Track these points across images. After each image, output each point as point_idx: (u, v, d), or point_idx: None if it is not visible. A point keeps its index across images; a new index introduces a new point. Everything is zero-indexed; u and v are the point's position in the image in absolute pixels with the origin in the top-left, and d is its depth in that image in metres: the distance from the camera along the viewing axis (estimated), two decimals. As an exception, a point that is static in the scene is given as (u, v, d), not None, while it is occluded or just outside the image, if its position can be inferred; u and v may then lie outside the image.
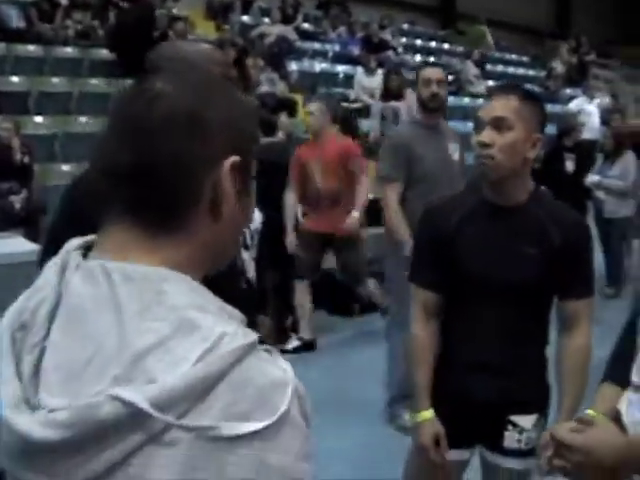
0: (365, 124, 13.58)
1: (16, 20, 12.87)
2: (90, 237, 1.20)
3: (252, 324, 1.17)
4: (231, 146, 1.15)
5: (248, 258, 2.54)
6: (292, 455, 1.03)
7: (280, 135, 8.86)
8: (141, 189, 1.11)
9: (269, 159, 7.45)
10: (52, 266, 1.16)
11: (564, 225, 2.78)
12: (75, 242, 1.20)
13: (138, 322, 1.04)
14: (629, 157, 9.72)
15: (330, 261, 9.42)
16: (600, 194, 9.90)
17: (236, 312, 1.14)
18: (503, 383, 2.82)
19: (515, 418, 2.85)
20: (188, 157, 1.11)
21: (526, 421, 2.87)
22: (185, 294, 1.08)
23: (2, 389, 1.06)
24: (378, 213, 11.42)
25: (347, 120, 14.10)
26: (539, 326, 2.89)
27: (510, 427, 2.86)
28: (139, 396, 0.97)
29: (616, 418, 2.09)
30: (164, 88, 1.14)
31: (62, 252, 1.18)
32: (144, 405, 0.97)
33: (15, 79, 11.54)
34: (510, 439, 2.86)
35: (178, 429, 0.98)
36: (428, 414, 2.89)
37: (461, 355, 2.87)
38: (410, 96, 12.61)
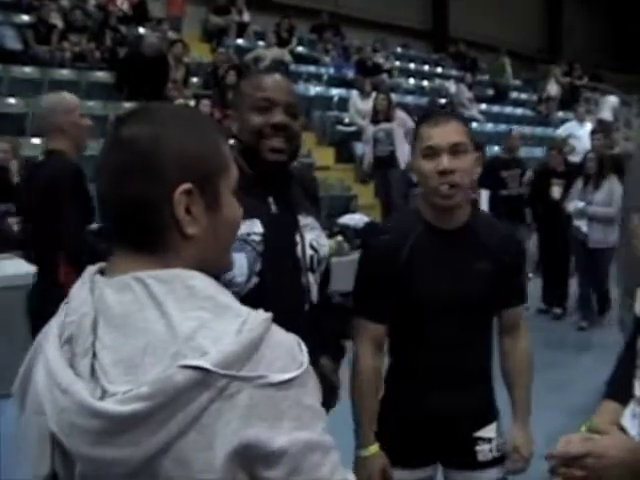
0: (361, 147, 13.63)
1: (12, 42, 12.90)
2: (101, 264, 1.43)
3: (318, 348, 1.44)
4: (184, 177, 1.34)
5: (313, 281, 2.58)
6: (317, 398, 1.31)
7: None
8: (121, 223, 1.37)
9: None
10: (81, 287, 1.38)
11: (504, 240, 2.88)
12: (92, 269, 1.42)
13: (180, 312, 1.26)
14: (614, 181, 9.13)
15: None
16: (581, 223, 9.41)
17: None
18: (461, 398, 2.85)
19: (480, 433, 2.90)
20: (144, 195, 1.33)
21: (490, 431, 2.93)
22: (210, 286, 1.33)
23: (72, 387, 1.25)
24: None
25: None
26: (487, 337, 2.95)
27: (479, 442, 2.91)
28: (204, 362, 1.20)
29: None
30: (127, 133, 1.36)
31: (84, 277, 1.40)
32: (210, 367, 1.20)
33: (12, 100, 11.56)
34: (483, 453, 2.91)
35: (238, 381, 1.21)
36: (375, 448, 2.86)
37: (417, 375, 2.87)
38: (401, 115, 12.65)
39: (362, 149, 13.38)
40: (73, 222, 4.37)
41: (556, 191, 10.00)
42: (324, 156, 14.10)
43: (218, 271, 1.48)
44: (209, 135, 1.42)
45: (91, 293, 1.35)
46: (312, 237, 2.62)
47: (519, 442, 2.94)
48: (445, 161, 2.69)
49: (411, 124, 12.45)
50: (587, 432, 2.03)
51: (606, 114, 17.56)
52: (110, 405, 1.21)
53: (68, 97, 4.88)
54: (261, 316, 1.29)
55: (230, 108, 2.57)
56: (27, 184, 4.91)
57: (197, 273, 1.34)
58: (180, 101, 12.79)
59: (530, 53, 23.19)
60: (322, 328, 2.64)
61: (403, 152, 12.06)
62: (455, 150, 2.70)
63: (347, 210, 11.85)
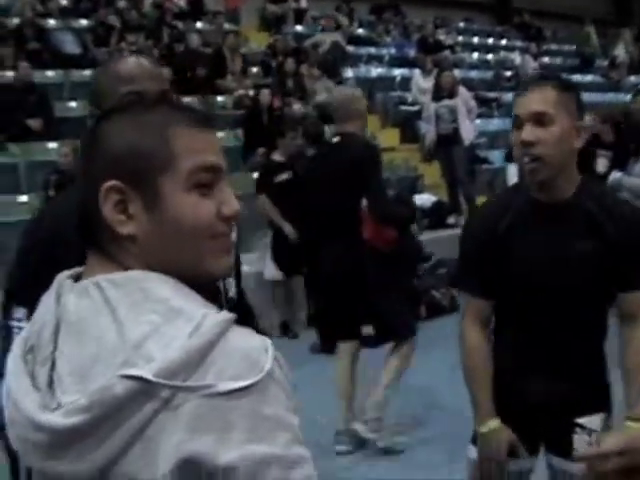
0: (424, 127, 13.47)
1: (71, 46, 13.07)
2: (76, 269, 1.38)
3: None
4: (111, 173, 1.27)
5: (229, 278, 2.40)
6: (282, 406, 1.18)
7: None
8: (79, 224, 1.33)
9: (305, 173, 7.44)
10: (49, 295, 1.33)
11: (620, 218, 2.65)
12: (65, 273, 1.37)
13: (133, 317, 1.20)
14: None
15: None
16: (625, 195, 7.90)
17: (209, 304, 1.28)
18: (565, 385, 2.72)
19: (582, 420, 2.71)
20: (84, 194, 1.31)
21: (594, 422, 2.72)
22: (166, 289, 1.24)
23: (23, 400, 1.22)
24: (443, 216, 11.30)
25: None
26: (598, 323, 2.77)
27: (578, 430, 2.71)
28: (145, 371, 1.13)
29: None
30: (90, 131, 1.35)
31: (54, 283, 1.35)
32: (151, 376, 1.12)
33: (73, 104, 11.68)
34: (580, 442, 2.71)
35: (183, 392, 1.13)
36: (496, 422, 2.77)
37: (520, 360, 2.77)
38: (463, 92, 12.41)
39: (425, 127, 13.19)
40: (381, 189, 5.52)
41: (601, 164, 8.72)
42: (389, 137, 13.99)
43: (201, 278, 1.33)
44: (155, 129, 1.30)
45: (57, 300, 1.31)
46: None
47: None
48: (526, 131, 2.55)
49: (473, 102, 12.25)
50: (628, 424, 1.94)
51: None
52: (54, 418, 1.16)
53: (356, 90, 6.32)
54: (217, 319, 1.20)
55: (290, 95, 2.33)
56: (324, 160, 5.74)
57: (153, 275, 1.26)
58: (240, 92, 12.81)
59: (598, 17, 22.66)
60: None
61: (466, 129, 11.87)
62: (538, 120, 2.54)
63: (414, 190, 11.76)
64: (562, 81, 2.70)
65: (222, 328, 1.19)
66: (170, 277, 1.27)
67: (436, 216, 11.26)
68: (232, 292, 2.43)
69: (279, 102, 12.22)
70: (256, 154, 11.06)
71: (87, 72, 12.49)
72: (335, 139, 5.67)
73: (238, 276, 2.58)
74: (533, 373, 2.73)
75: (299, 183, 7.56)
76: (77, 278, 1.35)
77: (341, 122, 5.59)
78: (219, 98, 13.05)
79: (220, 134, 10.85)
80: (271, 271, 8.51)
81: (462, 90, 12.48)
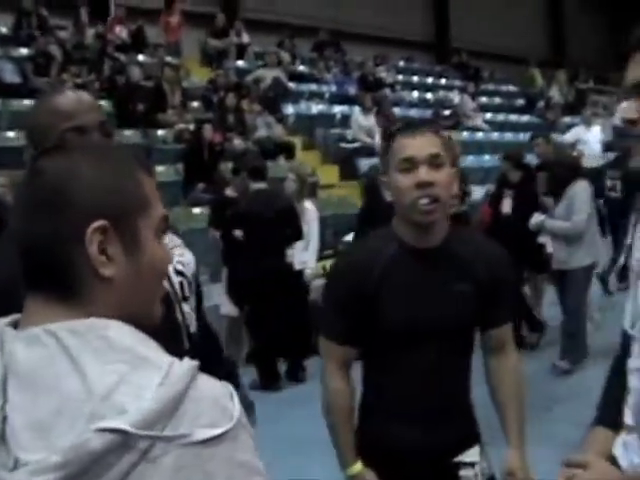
0: (365, 163, 13.57)
1: (11, 75, 12.94)
2: (14, 316, 1.30)
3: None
4: (98, 214, 1.23)
5: (189, 310, 2.35)
6: (251, 452, 1.20)
7: (290, 177, 8.77)
8: (32, 265, 1.26)
9: (253, 210, 7.49)
10: None
11: (487, 257, 2.73)
12: (1, 321, 1.29)
13: (97, 366, 1.15)
14: (577, 189, 7.62)
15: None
16: (544, 239, 8.18)
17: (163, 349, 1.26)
18: (439, 426, 2.73)
19: (462, 457, 2.76)
20: (55, 233, 1.23)
21: (473, 455, 2.80)
22: (128, 336, 1.22)
23: None
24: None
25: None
26: (467, 360, 2.82)
27: (463, 467, 2.77)
28: (122, 422, 1.09)
29: (612, 463, 2.00)
30: (38, 168, 1.27)
31: None
32: (129, 428, 1.09)
33: (11, 134, 11.54)
34: (467, 478, 2.78)
35: (161, 442, 1.11)
36: (358, 466, 2.77)
37: (390, 405, 2.77)
38: None
39: (367, 165, 13.29)
40: None
41: (506, 204, 8.56)
42: (328, 174, 14.02)
43: (146, 323, 1.32)
44: (128, 171, 1.31)
45: (0, 349, 1.24)
46: (175, 260, 2.34)
47: (514, 466, 2.81)
48: (423, 172, 2.54)
49: None
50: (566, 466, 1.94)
51: (618, 120, 17.44)
52: (21, 477, 1.10)
53: None
54: (184, 366, 1.19)
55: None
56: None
57: (113, 322, 1.23)
58: (181, 126, 12.80)
59: (535, 59, 23.10)
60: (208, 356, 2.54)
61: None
62: (433, 162, 2.56)
63: (353, 228, 11.79)
64: (438, 127, 2.79)
65: (191, 376, 1.18)
66: (126, 324, 1.24)
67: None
68: (193, 327, 2.39)
69: (220, 137, 12.23)
70: (196, 189, 11.04)
71: (26, 102, 12.40)
72: None
73: (199, 311, 2.54)
74: (405, 418, 2.73)
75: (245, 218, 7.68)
76: (14, 325, 1.29)
77: None
78: (159, 132, 13.01)
79: (160, 168, 10.81)
80: (226, 307, 8.44)
81: None
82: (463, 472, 2.77)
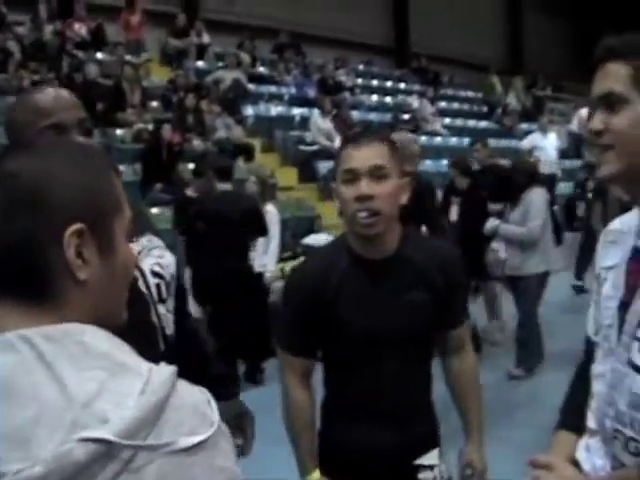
0: (324, 166, 13.59)
1: (-34, 70, 12.79)
2: None
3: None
4: (75, 216, 1.21)
5: (165, 312, 2.32)
6: (231, 458, 1.21)
7: (252, 179, 8.76)
8: (5, 268, 1.21)
9: (219, 210, 7.49)
10: None
11: (440, 262, 2.73)
12: None
13: (74, 374, 1.12)
14: (533, 196, 7.68)
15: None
16: (497, 245, 7.93)
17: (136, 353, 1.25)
18: (402, 431, 2.75)
19: (421, 460, 2.79)
20: (32, 236, 1.19)
21: (432, 458, 2.82)
22: (104, 342, 1.20)
23: None
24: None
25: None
26: (425, 365, 2.84)
27: (422, 470, 2.79)
28: (105, 432, 1.07)
29: (575, 466, 2.03)
30: (12, 168, 1.22)
31: None
32: (113, 438, 1.07)
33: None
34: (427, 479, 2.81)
35: (144, 451, 1.10)
36: (316, 475, 2.79)
37: (350, 411, 2.79)
38: None
39: (326, 168, 13.32)
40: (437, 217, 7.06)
41: (453, 211, 8.57)
42: (287, 176, 14.01)
43: (112, 325, 1.30)
44: (102, 171, 1.29)
45: None
46: (152, 262, 2.34)
47: (472, 457, 2.87)
48: (364, 186, 2.53)
49: None
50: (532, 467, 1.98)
51: (574, 126, 17.67)
52: None
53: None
54: (164, 373, 1.18)
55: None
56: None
57: (89, 327, 1.20)
58: (140, 126, 12.73)
59: (492, 65, 23.28)
60: (194, 359, 2.50)
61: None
62: (375, 174, 2.54)
63: (311, 230, 11.83)
64: (389, 137, 2.75)
65: (171, 382, 1.17)
66: (100, 328, 1.22)
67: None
68: (170, 329, 2.36)
69: (179, 137, 12.18)
70: (155, 189, 10.99)
71: (-16, 97, 12.29)
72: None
73: (182, 312, 2.53)
74: (364, 423, 2.75)
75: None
76: None
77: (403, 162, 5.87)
78: (118, 131, 12.93)
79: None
80: (191, 307, 8.35)
81: None
82: (422, 475, 2.79)
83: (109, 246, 1.26)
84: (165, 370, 1.19)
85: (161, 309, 2.33)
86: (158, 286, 2.32)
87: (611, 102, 1.82)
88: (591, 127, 1.87)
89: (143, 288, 2.26)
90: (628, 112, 1.79)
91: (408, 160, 5.85)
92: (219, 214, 7.55)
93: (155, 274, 2.32)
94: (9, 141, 2.22)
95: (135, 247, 2.27)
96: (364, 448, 2.76)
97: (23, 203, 1.20)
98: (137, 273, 2.24)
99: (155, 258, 2.35)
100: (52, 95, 2.23)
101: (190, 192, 8.69)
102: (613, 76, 1.82)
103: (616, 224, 2.06)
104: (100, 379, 1.13)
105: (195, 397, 1.20)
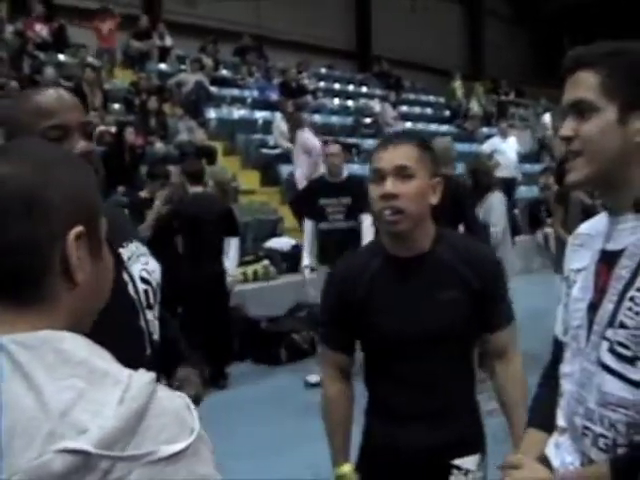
0: (286, 169, 13.61)
1: None
2: None
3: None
4: (74, 218, 1.22)
5: (152, 318, 2.30)
6: (211, 465, 1.18)
7: (210, 184, 8.77)
8: None
9: (196, 212, 7.50)
10: None
11: (475, 262, 2.74)
12: None
13: (51, 383, 1.10)
14: (494, 200, 7.80)
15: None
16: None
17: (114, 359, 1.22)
18: (440, 430, 2.75)
19: (458, 461, 2.77)
20: (31, 238, 1.19)
21: (470, 462, 2.79)
22: (83, 349, 1.17)
23: None
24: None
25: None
26: (467, 366, 2.86)
27: (455, 471, 2.78)
28: (84, 443, 1.05)
29: (544, 463, 2.07)
30: (3, 171, 1.21)
31: None
32: (91, 449, 1.05)
33: None
34: None
35: (124, 462, 1.07)
36: (346, 467, 2.85)
37: (394, 409, 2.80)
38: (302, 136, 12.58)
39: (288, 171, 13.35)
40: (475, 218, 7.13)
41: None
42: (249, 179, 14.03)
43: (85, 327, 1.29)
44: (89, 174, 1.30)
45: None
46: (140, 267, 2.30)
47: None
48: (388, 184, 2.60)
49: (312, 143, 12.36)
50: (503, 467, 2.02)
51: (543, 132, 17.89)
52: None
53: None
54: (144, 379, 1.15)
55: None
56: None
57: (68, 334, 1.18)
58: (101, 128, 12.65)
59: (453, 70, 23.46)
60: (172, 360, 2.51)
61: (301, 172, 12.27)
62: (401, 174, 2.61)
63: (274, 234, 11.84)
64: (422, 140, 2.79)
65: (151, 389, 1.15)
66: (80, 335, 1.20)
67: (295, 259, 11.34)
68: (156, 335, 2.33)
69: (141, 140, 12.13)
70: (117, 192, 10.93)
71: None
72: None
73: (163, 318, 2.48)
74: (403, 422, 2.77)
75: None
76: None
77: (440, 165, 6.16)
78: (79, 133, 12.77)
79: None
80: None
81: (301, 134, 12.65)
82: (454, 477, 2.76)
83: (98, 248, 1.28)
84: (144, 377, 1.16)
85: (149, 315, 2.30)
86: (146, 292, 2.29)
87: (581, 109, 1.86)
88: (561, 134, 1.91)
89: (133, 293, 2.23)
90: (597, 119, 1.83)
91: (445, 163, 6.32)
92: (196, 216, 7.58)
93: (143, 280, 2.29)
94: (6, 141, 2.14)
95: (125, 253, 2.26)
96: (400, 447, 2.77)
97: (20, 206, 1.19)
98: (127, 278, 2.22)
99: (142, 264, 2.32)
100: (54, 96, 2.15)
101: (144, 194, 8.65)
102: (583, 84, 1.86)
103: (584, 228, 2.10)
104: (78, 388, 1.11)
105: (175, 403, 1.18)
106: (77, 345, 1.17)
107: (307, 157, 12.16)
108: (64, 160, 1.28)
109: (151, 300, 2.31)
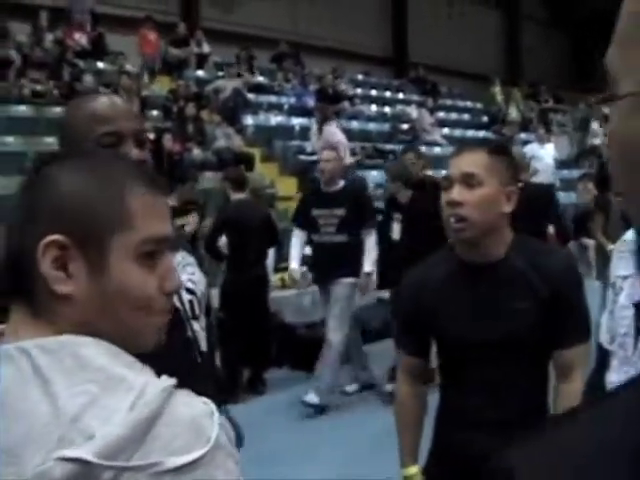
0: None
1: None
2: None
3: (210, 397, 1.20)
4: (56, 225, 1.19)
5: (199, 329, 2.28)
6: (231, 476, 1.11)
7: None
8: (8, 275, 1.22)
9: (239, 218, 7.54)
10: None
11: (549, 273, 2.66)
12: None
13: (66, 388, 1.09)
14: None
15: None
16: None
17: (146, 367, 1.19)
18: (510, 438, 2.72)
19: None
20: (20, 244, 1.20)
21: None
22: (102, 355, 1.15)
23: None
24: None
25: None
26: (537, 377, 2.78)
27: None
28: (84, 451, 1.02)
29: None
30: (30, 177, 1.25)
31: None
32: (91, 458, 1.02)
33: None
34: None
35: (128, 472, 1.04)
36: (412, 469, 2.89)
37: (464, 415, 2.79)
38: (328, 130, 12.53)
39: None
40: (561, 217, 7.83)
41: (395, 230, 7.44)
42: (287, 186, 14.03)
43: (128, 350, 1.22)
44: (110, 187, 1.23)
45: None
46: (186, 278, 2.25)
47: None
48: (454, 192, 2.60)
49: (337, 138, 12.29)
50: None
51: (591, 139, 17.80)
52: None
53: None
54: (160, 386, 1.12)
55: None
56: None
57: (90, 339, 1.16)
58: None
59: (491, 75, 23.33)
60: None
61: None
62: (467, 182, 2.60)
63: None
64: (497, 147, 2.76)
65: (165, 397, 1.10)
66: (103, 341, 1.17)
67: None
68: (203, 346, 2.31)
69: (179, 147, 12.20)
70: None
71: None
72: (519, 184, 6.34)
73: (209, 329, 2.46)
74: (474, 427, 2.73)
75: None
76: None
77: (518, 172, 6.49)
78: (118, 140, 12.84)
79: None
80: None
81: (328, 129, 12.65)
82: None
83: (100, 263, 1.21)
84: (161, 383, 1.13)
85: (195, 326, 2.28)
86: (191, 303, 2.28)
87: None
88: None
89: (178, 304, 2.19)
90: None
91: (522, 170, 6.68)
92: (238, 221, 7.62)
93: (188, 291, 2.28)
94: (61, 147, 2.16)
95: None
96: (469, 453, 2.71)
97: (22, 212, 1.23)
98: None
99: (188, 275, 2.30)
100: (109, 103, 2.16)
101: (172, 202, 8.69)
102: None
103: (630, 234, 2.08)
104: (91, 393, 1.09)
105: (194, 410, 1.12)
106: (97, 351, 1.16)
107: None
108: (82, 169, 1.26)
109: (196, 310, 2.30)
